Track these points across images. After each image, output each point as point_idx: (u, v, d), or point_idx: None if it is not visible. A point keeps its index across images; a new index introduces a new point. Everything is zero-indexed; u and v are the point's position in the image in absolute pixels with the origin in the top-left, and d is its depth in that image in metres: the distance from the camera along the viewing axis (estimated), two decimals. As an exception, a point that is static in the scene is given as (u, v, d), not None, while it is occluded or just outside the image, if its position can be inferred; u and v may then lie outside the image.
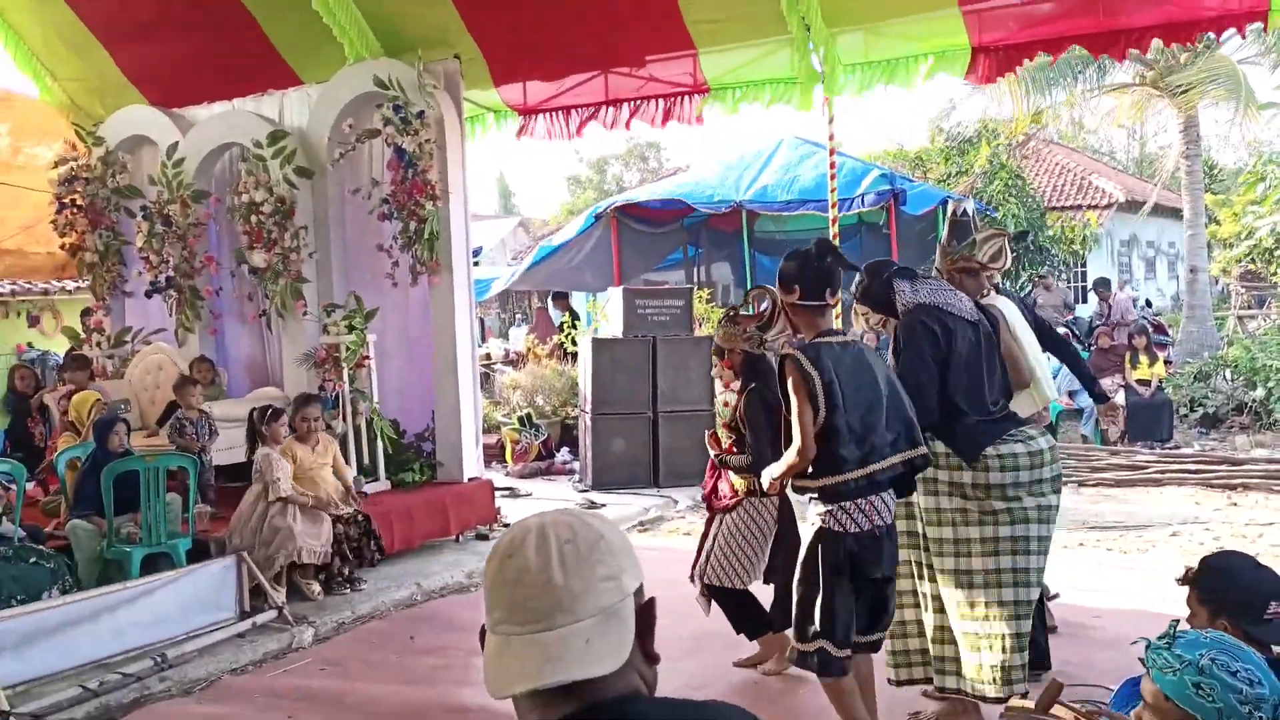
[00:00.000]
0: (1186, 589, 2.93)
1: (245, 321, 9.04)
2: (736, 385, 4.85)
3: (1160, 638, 2.19)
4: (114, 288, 9.57)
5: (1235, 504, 8.61)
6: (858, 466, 3.68)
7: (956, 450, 4.07)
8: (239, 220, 8.31)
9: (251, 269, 8.31)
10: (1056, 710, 3.65)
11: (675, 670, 1.27)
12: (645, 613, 1.36)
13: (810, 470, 3.73)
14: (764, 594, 5.01)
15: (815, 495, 3.77)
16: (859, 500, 3.70)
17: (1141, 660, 2.22)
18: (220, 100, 9.09)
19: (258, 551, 6.09)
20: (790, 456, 3.72)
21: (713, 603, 5.01)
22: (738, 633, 5.05)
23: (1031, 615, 4.13)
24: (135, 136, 9.39)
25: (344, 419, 7.74)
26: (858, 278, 4.40)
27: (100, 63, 9.41)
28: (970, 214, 4.94)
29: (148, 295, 8.99)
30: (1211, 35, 10.88)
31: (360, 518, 6.76)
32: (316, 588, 6.41)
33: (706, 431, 5.13)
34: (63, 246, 9.52)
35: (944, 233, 4.89)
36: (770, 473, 3.93)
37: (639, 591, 1.36)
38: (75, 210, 9.33)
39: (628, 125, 8.68)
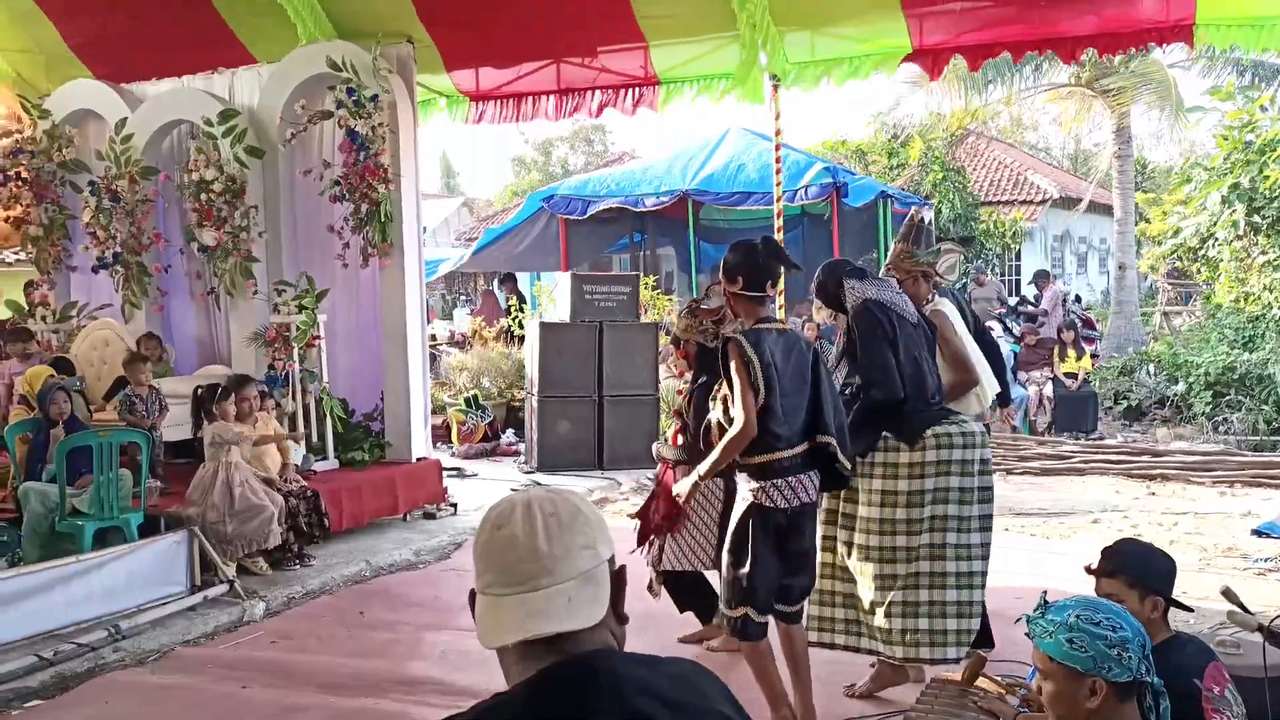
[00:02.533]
0: (1095, 577, 3.18)
1: (193, 299, 9.06)
2: (689, 376, 5.06)
3: (1035, 609, 2.47)
4: (59, 262, 9.51)
5: (1154, 493, 9.02)
6: (788, 446, 3.95)
7: (900, 434, 4.32)
8: (188, 198, 8.33)
9: (201, 247, 8.33)
10: (980, 682, 3.92)
11: (626, 645, 1.44)
12: (618, 577, 1.55)
13: (748, 447, 3.96)
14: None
15: (746, 472, 4.02)
16: (789, 477, 3.97)
17: (1028, 635, 2.48)
18: (170, 77, 9.06)
19: (230, 526, 6.17)
20: (731, 434, 3.94)
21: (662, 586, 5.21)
22: (682, 612, 5.27)
23: (980, 586, 4.36)
24: (82, 110, 9.32)
25: (293, 398, 7.83)
26: (816, 274, 4.63)
27: (46, 35, 9.30)
28: (929, 223, 5.22)
29: (94, 271, 8.95)
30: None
31: (309, 494, 6.85)
32: (264, 564, 6.51)
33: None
34: (6, 219, 9.43)
35: (901, 234, 5.13)
36: (706, 463, 4.11)
37: (612, 559, 1.55)
38: (20, 183, 9.25)
39: (584, 113, 8.84)
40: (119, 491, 6.21)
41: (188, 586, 5.96)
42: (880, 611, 4.39)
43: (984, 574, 4.40)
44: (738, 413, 3.91)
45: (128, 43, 9.09)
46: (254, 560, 6.46)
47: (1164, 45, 6.92)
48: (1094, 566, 3.17)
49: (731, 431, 3.94)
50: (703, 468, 4.12)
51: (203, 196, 8.20)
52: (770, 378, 3.89)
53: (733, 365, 3.93)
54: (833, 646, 4.55)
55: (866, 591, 4.43)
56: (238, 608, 5.92)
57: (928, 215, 5.12)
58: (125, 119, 8.79)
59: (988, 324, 6.26)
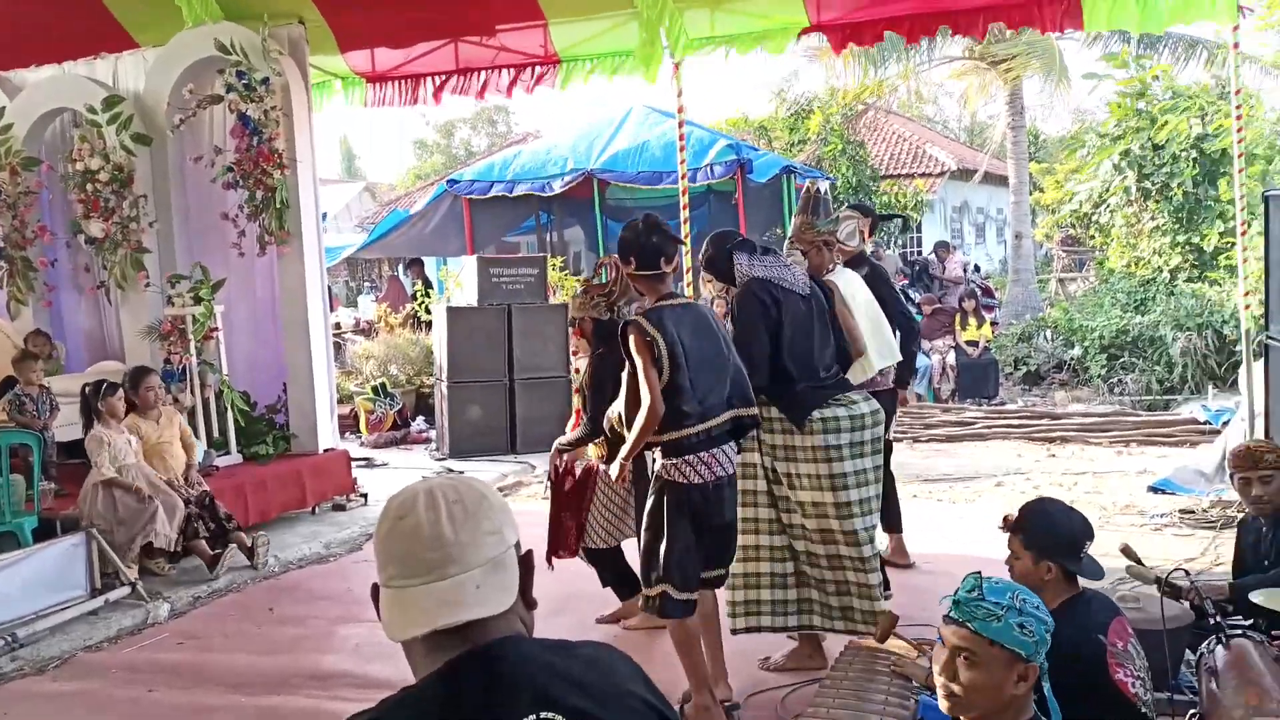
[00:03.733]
0: (1007, 535, 3.25)
1: (82, 293, 8.72)
2: (591, 354, 5.05)
3: (968, 591, 2.36)
4: (-65, 258, 9.07)
5: (1054, 455, 9.29)
6: (699, 421, 3.93)
7: (788, 415, 4.35)
8: (73, 189, 8.02)
9: (88, 239, 8.04)
10: (892, 643, 3.99)
11: (541, 629, 1.42)
12: (525, 563, 1.53)
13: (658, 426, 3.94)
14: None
15: (658, 449, 4.00)
16: (700, 453, 3.95)
17: (948, 616, 2.36)
18: (49, 63, 8.68)
19: (116, 533, 5.95)
20: (640, 419, 3.91)
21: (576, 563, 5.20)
22: (604, 586, 5.27)
23: (870, 568, 4.42)
24: (-46, 99, 8.89)
25: (191, 392, 7.61)
26: (704, 247, 4.62)
27: (-88, 21, 8.86)
28: (825, 192, 5.26)
29: (-25, 267, 8.57)
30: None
31: (207, 500, 6.51)
32: (166, 564, 6.31)
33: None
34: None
35: (799, 207, 5.16)
36: (621, 454, 4.13)
37: (518, 545, 1.52)
38: (-111, 176, 8.79)
39: (480, 95, 8.71)
40: (11, 495, 5.96)
41: (88, 590, 5.75)
42: (812, 591, 4.46)
43: (876, 556, 4.48)
44: (644, 393, 3.88)
45: (4, 29, 8.68)
46: (156, 562, 6.26)
47: (1056, 28, 7.06)
48: (1006, 521, 3.24)
49: (640, 414, 3.91)
50: (622, 453, 4.11)
51: (89, 187, 7.90)
52: (675, 354, 3.87)
53: (632, 346, 3.91)
54: (756, 630, 4.56)
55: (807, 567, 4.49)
56: (141, 610, 5.74)
57: (824, 186, 5.19)
58: (3, 108, 8.42)
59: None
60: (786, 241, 5.16)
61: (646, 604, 4.11)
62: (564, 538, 5.20)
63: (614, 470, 4.31)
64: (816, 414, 4.33)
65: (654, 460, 4.10)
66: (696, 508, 3.98)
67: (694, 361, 3.92)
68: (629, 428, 4.06)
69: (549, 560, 5.16)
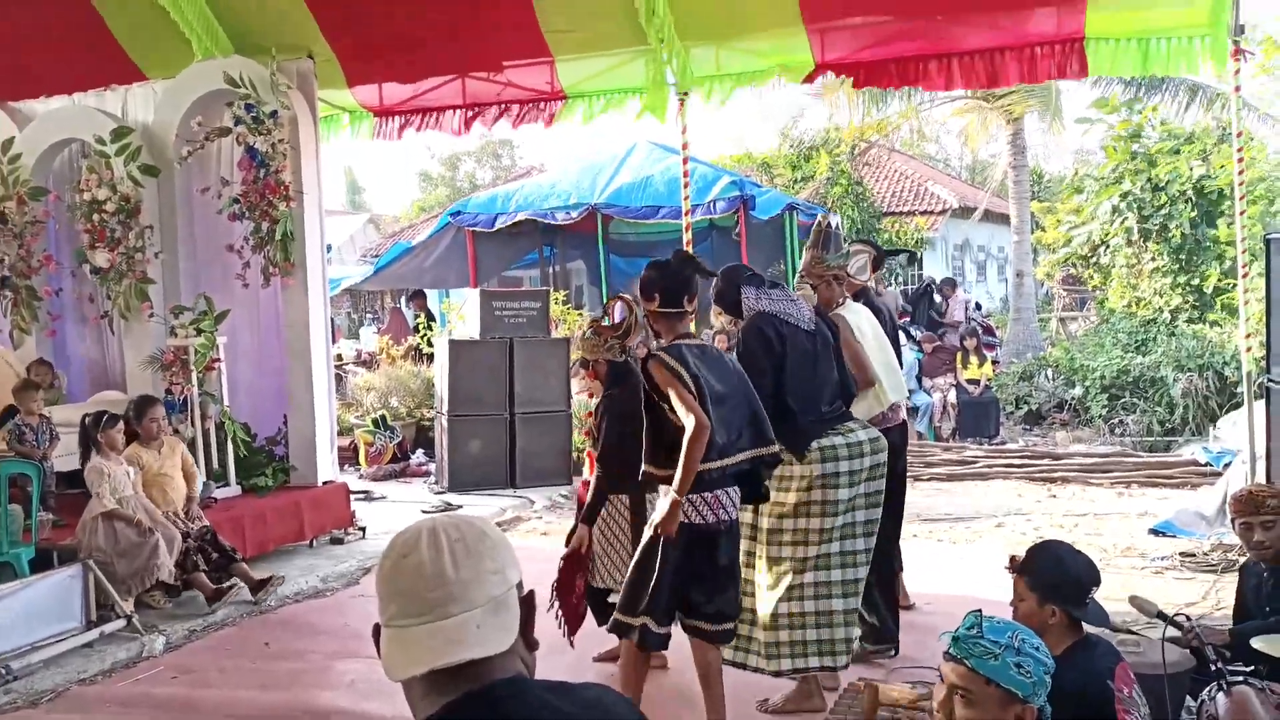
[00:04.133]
0: (1012, 575, 3.23)
1: (86, 323, 8.74)
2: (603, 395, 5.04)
3: (968, 628, 2.38)
4: (-61, 286, 9.10)
5: (1055, 496, 9.27)
6: (719, 458, 3.92)
7: (787, 446, 4.35)
8: (80, 219, 8.05)
9: (93, 269, 8.06)
10: (889, 690, 3.95)
11: (540, 666, 1.41)
12: (526, 603, 1.52)
13: (670, 461, 3.91)
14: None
15: (667, 485, 3.95)
16: (706, 494, 3.93)
17: (947, 653, 2.39)
18: (60, 94, 8.75)
19: (116, 565, 5.92)
20: (689, 437, 3.79)
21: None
22: (600, 625, 5.23)
23: (860, 593, 4.46)
24: (-36, 129, 8.96)
25: (192, 423, 7.60)
26: (715, 281, 4.66)
27: (-76, 51, 8.94)
28: (836, 227, 5.30)
29: (-20, 295, 8.59)
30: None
31: (209, 534, 6.48)
32: (162, 597, 6.28)
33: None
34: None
35: (810, 241, 5.19)
36: (676, 480, 3.87)
37: (519, 584, 1.52)
38: (-102, 205, 8.84)
39: (489, 126, 8.80)
40: (9, 526, 5.94)
41: (83, 622, 5.71)
42: (765, 625, 4.44)
43: (865, 581, 4.48)
44: (685, 415, 3.83)
45: (15, 60, 8.77)
46: (151, 595, 6.22)
47: (1062, 76, 7.14)
48: (1013, 562, 3.23)
49: (688, 435, 3.82)
50: (675, 485, 3.88)
51: (95, 217, 7.93)
52: (700, 389, 3.89)
53: (659, 380, 3.91)
54: (741, 666, 4.54)
55: (760, 604, 4.47)
56: (136, 643, 5.71)
57: (835, 220, 5.23)
58: (12, 138, 8.48)
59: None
60: (797, 276, 5.19)
61: (620, 629, 4.08)
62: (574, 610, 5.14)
63: (661, 516, 3.96)
64: (815, 443, 4.37)
65: (659, 495, 4.08)
66: (694, 548, 3.97)
67: (713, 398, 3.93)
68: (653, 463, 4.03)
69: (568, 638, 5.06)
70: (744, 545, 4.45)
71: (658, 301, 4.12)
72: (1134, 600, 3.59)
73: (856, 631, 4.46)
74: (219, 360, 7.77)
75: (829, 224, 5.27)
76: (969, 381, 12.45)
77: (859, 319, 5.23)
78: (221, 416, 7.74)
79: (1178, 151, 14.53)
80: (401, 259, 16.34)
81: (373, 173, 73.99)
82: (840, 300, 5.12)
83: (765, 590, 4.47)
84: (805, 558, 4.39)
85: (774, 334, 4.40)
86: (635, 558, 4.12)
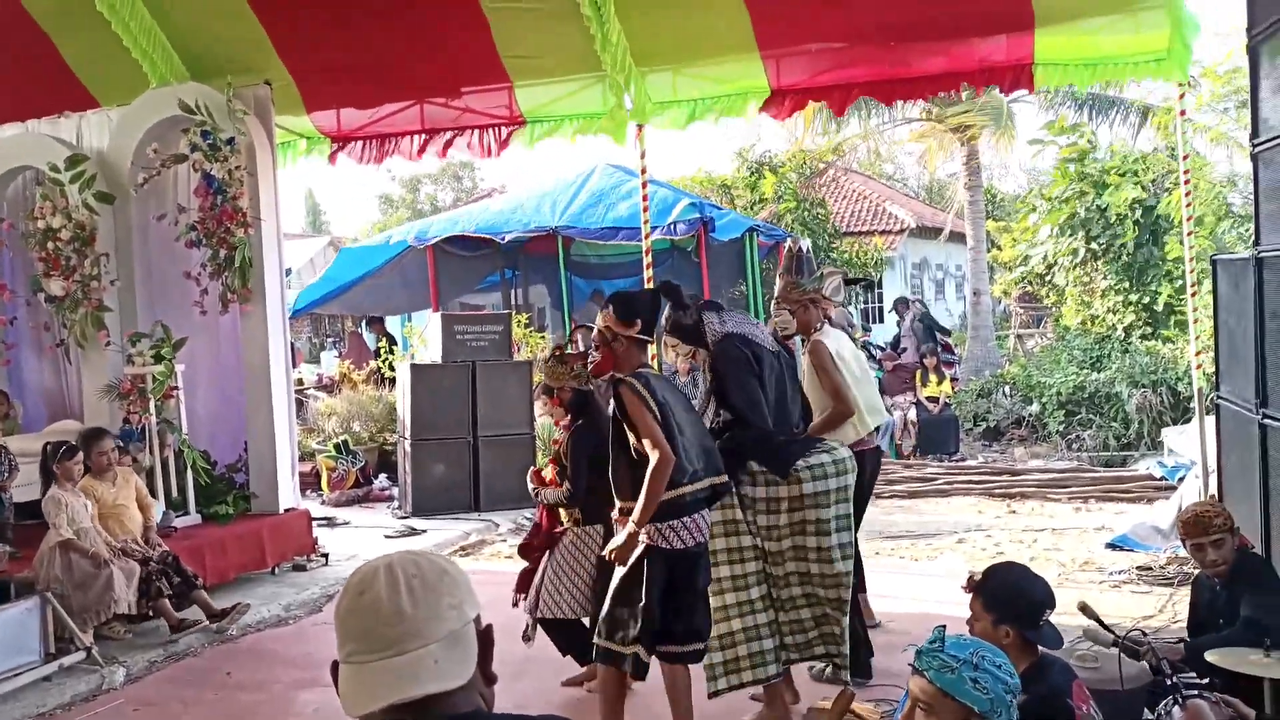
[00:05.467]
0: (970, 594, 3.28)
1: (42, 352, 8.65)
2: (567, 422, 5.03)
3: (931, 642, 2.43)
4: (-109, 315, 8.96)
5: (1014, 511, 9.37)
6: (689, 482, 3.98)
7: (771, 467, 4.39)
8: (35, 247, 7.96)
9: (48, 297, 7.97)
10: (856, 708, 3.99)
11: (505, 690, 1.42)
12: (484, 637, 1.53)
13: (637, 490, 3.93)
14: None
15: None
16: (685, 518, 3.98)
17: (911, 665, 2.45)
18: (12, 121, 8.67)
19: (72, 597, 5.83)
20: (652, 467, 3.85)
21: (538, 630, 5.16)
22: (564, 655, 5.23)
23: (845, 610, 4.49)
24: (-86, 157, 8.84)
25: (150, 452, 7.52)
26: (664, 311, 4.67)
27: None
28: (806, 250, 5.32)
29: (-67, 325, 8.47)
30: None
31: (171, 557, 6.42)
32: (121, 628, 6.21)
33: (530, 470, 5.28)
34: None
35: (783, 267, 5.23)
36: (637, 511, 3.95)
37: (478, 619, 1.54)
38: None
39: (443, 153, 8.80)
40: (-37, 559, 5.85)
41: (41, 655, 5.62)
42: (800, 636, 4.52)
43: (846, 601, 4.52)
44: (649, 447, 3.88)
45: (-34, 87, 8.69)
46: (111, 626, 6.14)
47: (1007, 91, 7.27)
48: (970, 582, 3.27)
49: (652, 466, 3.88)
50: (635, 516, 3.95)
51: (50, 245, 7.85)
52: (666, 416, 3.93)
53: (628, 406, 3.94)
54: (740, 686, 4.54)
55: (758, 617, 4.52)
56: (96, 675, 5.63)
57: (804, 244, 5.23)
58: (-36, 166, 8.38)
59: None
60: (773, 303, 5.21)
61: (610, 658, 4.08)
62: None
63: (616, 545, 4.06)
64: (801, 463, 4.39)
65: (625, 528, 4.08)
66: (675, 573, 4.01)
67: (676, 426, 3.98)
68: (620, 493, 4.06)
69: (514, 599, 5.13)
70: (749, 568, 4.48)
71: (638, 327, 4.13)
72: (1083, 608, 3.65)
73: (840, 649, 4.49)
74: (177, 388, 7.69)
75: (799, 248, 5.28)
76: (929, 399, 12.58)
77: (839, 344, 5.26)
78: (180, 445, 7.66)
79: (1123, 174, 14.80)
80: (361, 281, 16.24)
81: (333, 195, 73.61)
82: (819, 324, 5.16)
83: (751, 605, 4.50)
84: (815, 573, 4.45)
85: (749, 353, 4.46)
86: (615, 586, 4.12)
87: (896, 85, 7.52)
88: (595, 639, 4.18)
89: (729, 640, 4.47)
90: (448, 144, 8.72)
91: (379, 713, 1.42)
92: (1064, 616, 4.35)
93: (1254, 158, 5.52)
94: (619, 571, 4.10)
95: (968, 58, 7.33)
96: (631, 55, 7.43)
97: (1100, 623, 3.57)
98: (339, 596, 1.52)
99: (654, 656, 4.14)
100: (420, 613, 1.45)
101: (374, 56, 7.95)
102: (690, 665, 4.25)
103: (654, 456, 3.86)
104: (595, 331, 4.25)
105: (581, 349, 5.04)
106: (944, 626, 2.47)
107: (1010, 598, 3.13)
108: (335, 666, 1.48)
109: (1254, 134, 5.51)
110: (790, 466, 4.39)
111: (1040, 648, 3.15)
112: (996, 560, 4.76)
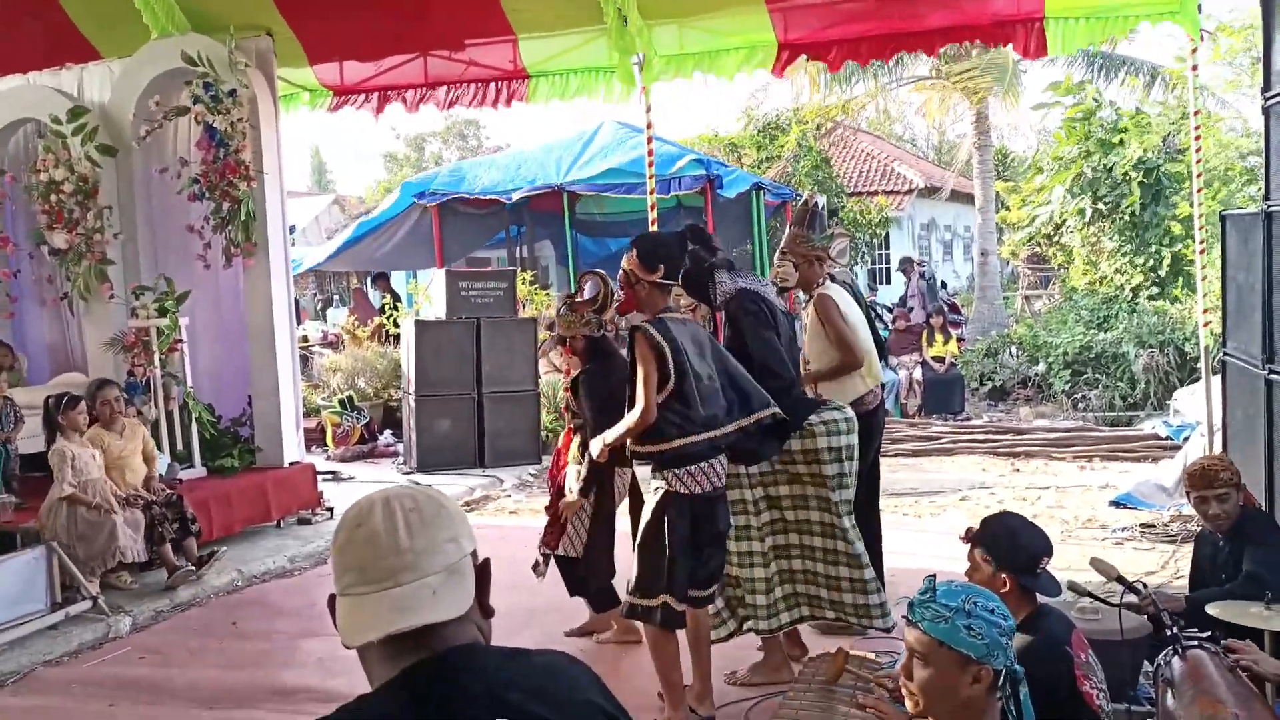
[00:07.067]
0: (966, 545, 3.28)
1: (45, 305, 8.65)
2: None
3: (922, 593, 2.40)
4: (-107, 269, 8.95)
5: (1018, 470, 9.38)
6: (703, 430, 3.98)
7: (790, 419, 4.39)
8: (37, 200, 7.94)
9: (52, 250, 7.96)
10: (851, 666, 3.99)
11: (511, 641, 1.43)
12: (482, 570, 1.53)
13: (660, 434, 3.96)
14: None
15: (657, 459, 4.01)
16: (702, 463, 3.99)
17: (905, 617, 2.43)
18: (13, 74, 8.60)
19: (77, 548, 5.87)
20: (631, 418, 3.97)
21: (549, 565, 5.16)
22: (572, 595, 5.24)
23: (864, 563, 4.54)
24: (-84, 109, 8.79)
25: (155, 404, 7.53)
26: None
27: None
28: (822, 207, 5.27)
29: (-64, 278, 8.46)
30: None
31: (174, 498, 6.49)
32: (128, 577, 6.26)
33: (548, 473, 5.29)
34: None
35: (795, 219, 5.18)
36: (604, 438, 4.17)
37: (474, 553, 1.53)
38: None
39: (459, 106, 8.73)
40: (-30, 509, 5.88)
41: (48, 604, 5.67)
42: (763, 587, 4.54)
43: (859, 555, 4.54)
44: (639, 397, 3.92)
45: (-35, 39, 8.61)
46: (118, 574, 6.19)
47: (1025, 54, 7.15)
48: (968, 533, 3.27)
49: (629, 417, 3.97)
50: (607, 437, 4.14)
51: (53, 198, 7.83)
52: (681, 363, 3.93)
53: (639, 352, 3.94)
54: (754, 632, 4.64)
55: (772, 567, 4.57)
56: (102, 624, 5.68)
57: (820, 200, 5.16)
58: (-35, 118, 8.34)
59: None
60: (778, 253, 5.18)
61: (639, 613, 4.09)
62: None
63: (595, 448, 4.28)
64: (815, 418, 4.44)
65: (629, 474, 4.12)
66: (698, 518, 4.05)
67: (697, 372, 3.98)
68: (637, 440, 4.08)
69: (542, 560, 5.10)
70: (758, 520, 4.57)
71: (661, 272, 4.08)
72: (1095, 562, 3.65)
73: (871, 600, 4.56)
74: (181, 341, 7.70)
75: (816, 203, 5.23)
76: (934, 359, 12.55)
77: (844, 299, 5.24)
78: (185, 398, 7.67)
79: (1125, 130, 14.66)
80: (365, 238, 16.19)
81: (339, 153, 73.29)
82: (821, 281, 5.14)
83: (765, 555, 4.58)
84: (816, 521, 4.53)
85: (764, 308, 4.48)
86: (639, 540, 4.15)
87: (905, 39, 7.41)
88: (626, 596, 4.19)
89: (749, 586, 4.56)
90: (438, 95, 8.65)
91: (377, 643, 1.42)
92: (1069, 572, 4.37)
93: (1265, 111, 5.44)
94: (642, 524, 4.13)
95: (980, 12, 7.23)
96: (638, 8, 7.33)
97: (1121, 579, 3.52)
98: (336, 529, 1.51)
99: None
100: (417, 545, 1.44)
101: (377, 7, 7.84)
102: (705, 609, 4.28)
103: (636, 409, 3.93)
104: (620, 272, 4.23)
105: (588, 296, 5.00)
106: (934, 576, 2.45)
107: (1008, 545, 3.13)
108: (332, 599, 1.48)
109: (1266, 87, 5.43)
110: (804, 420, 4.43)
111: (1039, 597, 3.15)
112: (1000, 517, 4.76)
